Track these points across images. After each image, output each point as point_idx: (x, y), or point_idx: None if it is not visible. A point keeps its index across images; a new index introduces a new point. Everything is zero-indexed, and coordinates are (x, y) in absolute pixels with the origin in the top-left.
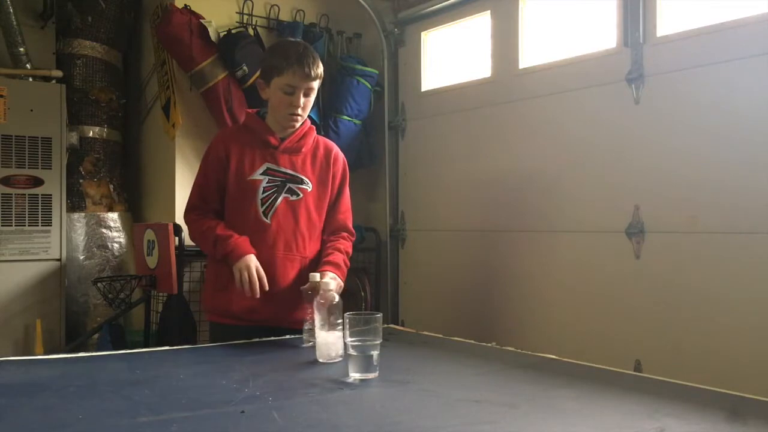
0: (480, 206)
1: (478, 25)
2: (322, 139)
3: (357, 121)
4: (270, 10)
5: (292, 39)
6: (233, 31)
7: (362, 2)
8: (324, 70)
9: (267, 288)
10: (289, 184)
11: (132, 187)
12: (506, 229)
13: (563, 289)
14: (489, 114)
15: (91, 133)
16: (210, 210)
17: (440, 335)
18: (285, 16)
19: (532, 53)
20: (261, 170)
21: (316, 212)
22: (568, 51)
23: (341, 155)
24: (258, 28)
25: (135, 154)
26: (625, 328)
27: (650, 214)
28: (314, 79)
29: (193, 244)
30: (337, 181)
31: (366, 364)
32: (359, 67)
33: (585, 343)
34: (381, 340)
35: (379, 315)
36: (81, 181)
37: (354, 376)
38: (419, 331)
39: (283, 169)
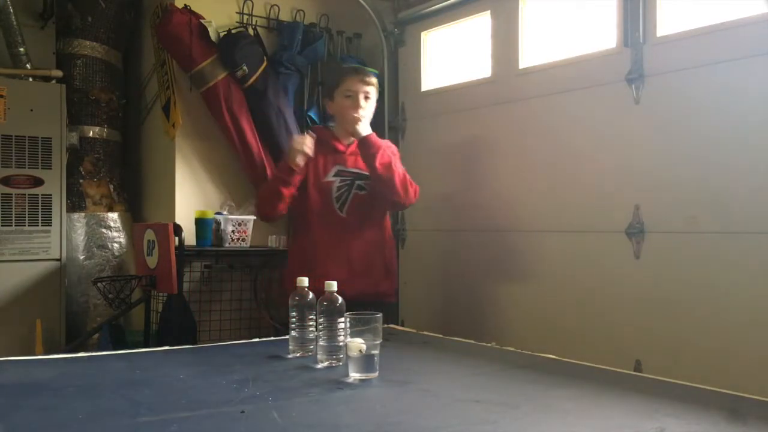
0: (480, 206)
1: (478, 25)
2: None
3: None
4: (270, 10)
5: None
6: (233, 31)
7: (362, 2)
8: (324, 70)
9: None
10: (357, 182)
11: (132, 187)
12: (506, 229)
13: (563, 289)
14: (489, 114)
15: (91, 133)
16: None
17: (440, 335)
18: (285, 16)
19: (532, 53)
20: (333, 172)
21: (377, 200)
22: (568, 51)
23: (392, 146)
24: (258, 28)
25: (135, 154)
26: (625, 328)
27: (650, 214)
28: (369, 84)
29: (194, 243)
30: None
31: (366, 364)
32: (359, 67)
33: (585, 343)
34: (381, 340)
35: (379, 315)
36: (81, 181)
37: (354, 376)
38: (419, 331)
39: (351, 169)
